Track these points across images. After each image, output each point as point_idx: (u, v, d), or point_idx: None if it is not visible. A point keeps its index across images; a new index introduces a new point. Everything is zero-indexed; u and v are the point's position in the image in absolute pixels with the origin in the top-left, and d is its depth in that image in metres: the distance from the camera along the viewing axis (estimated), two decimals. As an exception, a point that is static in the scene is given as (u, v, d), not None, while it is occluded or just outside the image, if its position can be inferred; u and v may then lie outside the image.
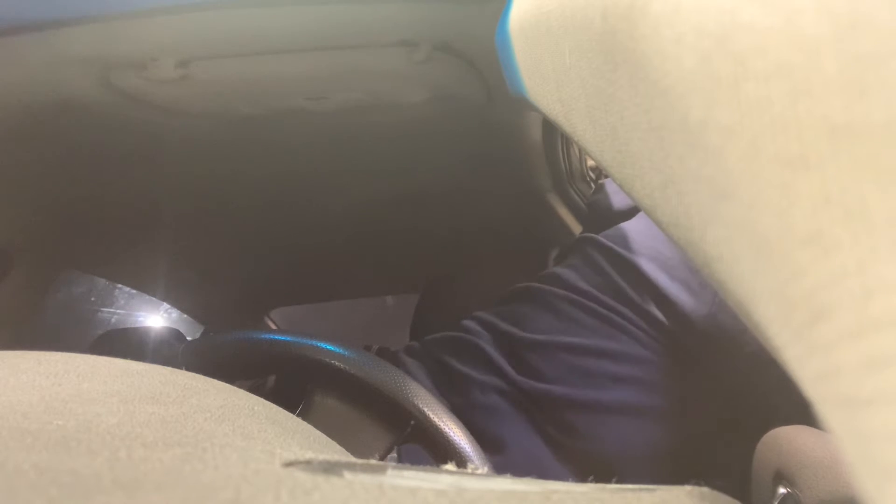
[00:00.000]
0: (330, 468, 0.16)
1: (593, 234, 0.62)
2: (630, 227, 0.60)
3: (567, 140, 0.81)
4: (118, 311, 1.36)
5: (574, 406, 0.56)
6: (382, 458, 0.53)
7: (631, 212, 0.63)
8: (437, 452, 0.51)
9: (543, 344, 0.58)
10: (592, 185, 0.88)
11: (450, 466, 0.19)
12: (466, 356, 0.61)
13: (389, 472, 0.16)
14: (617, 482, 0.19)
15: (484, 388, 0.59)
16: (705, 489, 0.17)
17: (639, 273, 0.56)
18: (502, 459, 0.57)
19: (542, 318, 0.59)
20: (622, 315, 0.56)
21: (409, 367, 0.62)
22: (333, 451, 0.27)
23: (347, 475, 0.15)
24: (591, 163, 0.88)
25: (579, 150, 0.85)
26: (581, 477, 0.56)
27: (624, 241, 0.59)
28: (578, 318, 0.58)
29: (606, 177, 0.75)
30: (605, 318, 0.56)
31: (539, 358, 0.58)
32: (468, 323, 0.64)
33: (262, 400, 0.27)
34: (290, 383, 0.62)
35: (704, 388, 0.56)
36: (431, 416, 0.51)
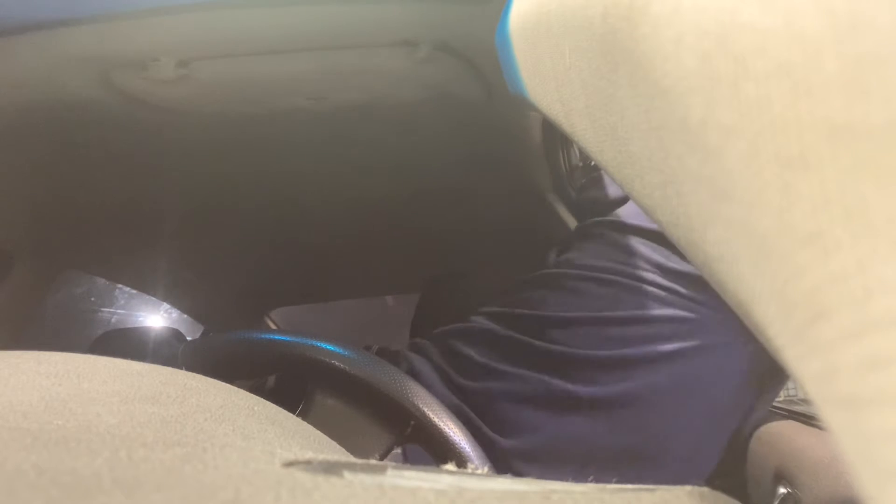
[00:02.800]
0: (330, 468, 0.16)
1: (597, 218, 0.62)
2: (629, 208, 0.61)
3: (567, 140, 0.81)
4: (118, 311, 1.37)
5: (599, 363, 0.55)
6: (382, 458, 0.53)
7: (623, 200, 0.64)
8: (437, 452, 0.51)
9: (566, 320, 0.57)
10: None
11: (450, 466, 0.19)
12: (480, 344, 0.61)
13: (389, 472, 0.16)
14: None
15: (500, 375, 0.58)
16: (705, 489, 0.17)
17: (651, 233, 0.56)
18: (531, 439, 0.56)
19: (560, 299, 0.59)
20: (646, 281, 0.55)
21: (412, 363, 0.62)
22: (333, 451, 0.27)
23: (347, 475, 0.15)
24: (590, 162, 0.88)
25: (579, 150, 0.85)
26: (612, 430, 0.55)
27: (629, 216, 0.60)
28: (598, 292, 0.57)
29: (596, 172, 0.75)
30: (626, 287, 0.56)
31: (562, 333, 0.57)
32: (477, 318, 0.64)
33: (262, 400, 0.27)
34: (290, 383, 0.62)
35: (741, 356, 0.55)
36: (431, 416, 0.51)
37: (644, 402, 0.55)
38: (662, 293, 0.54)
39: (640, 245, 0.57)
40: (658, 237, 0.56)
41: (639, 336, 0.55)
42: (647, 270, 0.56)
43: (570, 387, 0.56)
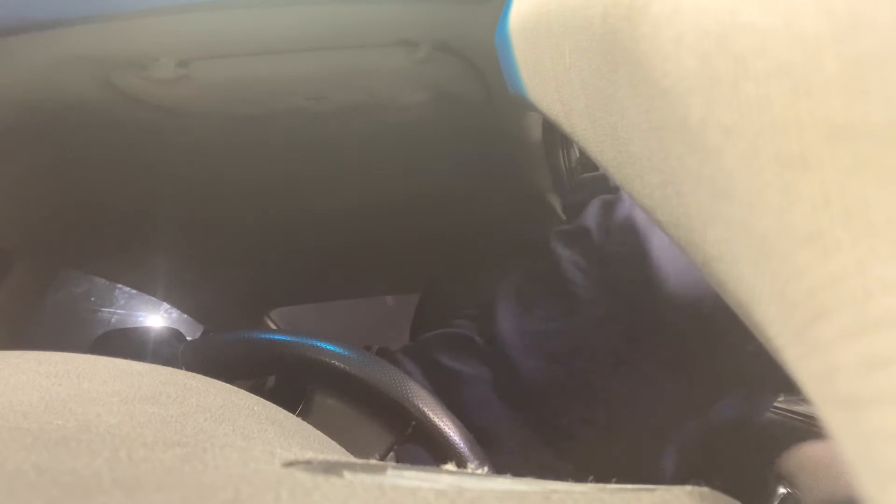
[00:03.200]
0: (330, 468, 0.16)
1: (556, 227, 0.64)
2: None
3: (567, 140, 0.81)
4: (118, 311, 1.37)
5: (548, 385, 0.57)
6: (382, 458, 0.53)
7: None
8: (437, 452, 0.51)
9: (510, 332, 0.59)
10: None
11: (450, 466, 0.19)
12: (457, 351, 0.62)
13: (389, 472, 0.16)
14: (613, 477, 0.19)
15: (474, 382, 0.59)
16: (705, 489, 0.17)
17: (590, 242, 0.58)
18: (491, 453, 0.57)
19: (509, 307, 0.61)
20: (580, 286, 0.57)
21: (406, 367, 0.62)
22: (333, 451, 0.27)
23: (347, 475, 0.15)
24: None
25: (579, 150, 0.85)
26: (567, 458, 0.56)
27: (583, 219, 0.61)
28: (539, 300, 0.59)
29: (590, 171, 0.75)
30: (563, 294, 0.57)
31: (510, 346, 0.59)
32: (459, 321, 0.65)
33: (262, 400, 0.27)
34: (290, 383, 0.62)
35: (697, 372, 0.56)
36: (431, 416, 0.51)
37: (584, 421, 0.56)
38: (588, 296, 0.56)
39: (578, 258, 0.58)
40: (588, 250, 0.57)
41: (567, 349, 0.56)
42: (579, 276, 0.57)
43: (528, 416, 0.57)
